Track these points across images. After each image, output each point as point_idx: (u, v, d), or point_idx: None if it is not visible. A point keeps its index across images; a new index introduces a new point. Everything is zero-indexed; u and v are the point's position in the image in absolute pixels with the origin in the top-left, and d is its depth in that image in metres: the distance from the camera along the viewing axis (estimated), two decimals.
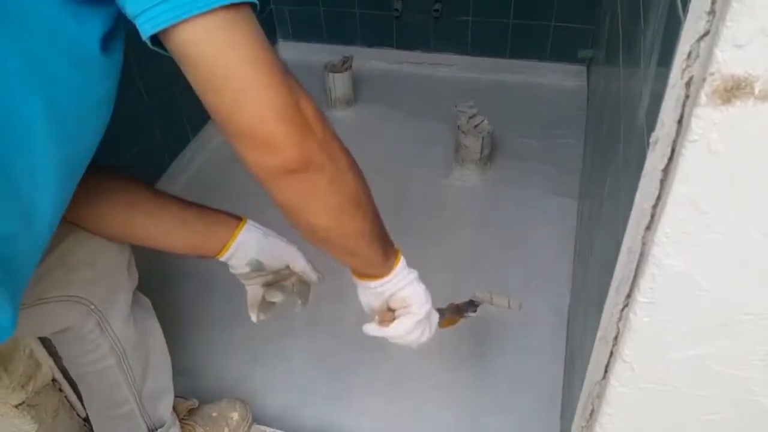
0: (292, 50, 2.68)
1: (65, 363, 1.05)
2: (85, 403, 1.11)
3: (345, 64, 2.31)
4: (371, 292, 0.83)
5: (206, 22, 0.53)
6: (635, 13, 0.97)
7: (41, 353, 1.15)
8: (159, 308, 1.09)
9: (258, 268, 0.92)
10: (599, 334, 0.68)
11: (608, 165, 1.06)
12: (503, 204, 1.90)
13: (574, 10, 2.25)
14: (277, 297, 0.96)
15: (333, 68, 2.29)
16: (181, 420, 1.22)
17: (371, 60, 2.56)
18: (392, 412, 1.38)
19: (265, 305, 0.98)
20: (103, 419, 1.11)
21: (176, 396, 1.18)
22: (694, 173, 0.49)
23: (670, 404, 0.67)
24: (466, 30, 2.43)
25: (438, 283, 1.65)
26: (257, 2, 0.56)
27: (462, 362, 1.48)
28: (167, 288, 1.66)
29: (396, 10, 2.42)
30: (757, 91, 0.44)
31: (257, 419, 1.34)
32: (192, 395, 1.32)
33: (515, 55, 2.43)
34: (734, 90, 0.44)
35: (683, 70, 0.47)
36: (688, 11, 0.48)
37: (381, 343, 1.51)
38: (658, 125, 0.51)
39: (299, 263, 0.94)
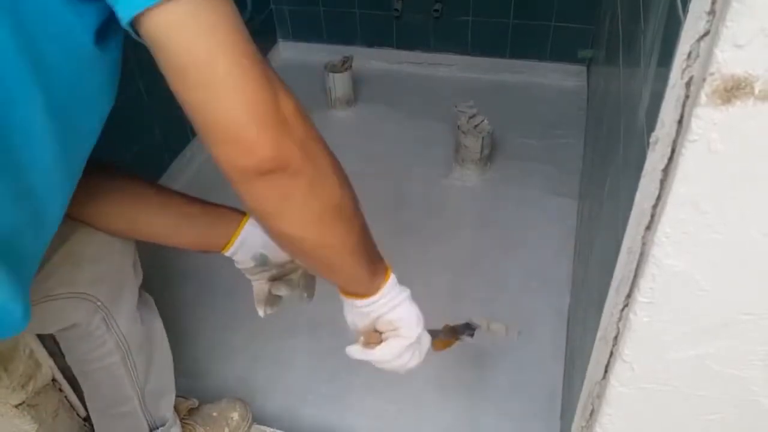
0: (292, 50, 2.68)
1: (69, 360, 1.05)
2: (87, 401, 1.11)
3: (345, 64, 2.31)
4: (357, 312, 0.75)
5: (180, 7, 0.50)
6: (635, 13, 0.97)
7: (41, 353, 1.15)
8: (159, 308, 1.09)
9: (263, 262, 0.92)
10: (599, 334, 0.68)
11: (608, 165, 1.06)
12: (503, 204, 1.90)
13: (574, 10, 2.25)
14: (282, 290, 0.96)
15: (333, 68, 2.29)
16: (181, 420, 1.22)
17: (371, 60, 2.56)
18: (392, 412, 1.38)
19: (271, 299, 0.98)
20: (104, 418, 1.11)
21: (177, 395, 1.18)
22: (694, 173, 0.49)
23: (670, 404, 0.67)
24: (466, 30, 2.43)
25: (438, 283, 1.66)
26: None
27: (462, 362, 1.47)
28: (167, 288, 1.66)
29: (396, 10, 2.42)
30: (757, 91, 0.44)
31: (257, 419, 1.34)
32: (192, 395, 1.32)
33: (515, 55, 2.43)
34: (734, 90, 0.44)
35: (683, 70, 0.47)
36: (688, 11, 0.48)
37: None
38: (658, 125, 0.51)
39: None
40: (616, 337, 0.65)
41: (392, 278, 0.75)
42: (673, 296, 0.57)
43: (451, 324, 0.92)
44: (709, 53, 0.44)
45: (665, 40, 0.61)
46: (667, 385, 0.65)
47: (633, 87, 0.86)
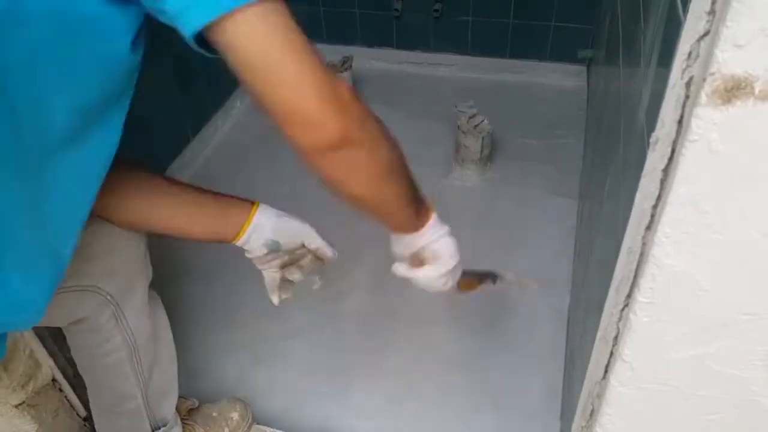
0: None
1: (75, 355, 1.05)
2: (90, 398, 1.11)
3: (345, 64, 2.31)
4: (405, 244, 0.86)
5: (249, 14, 0.56)
6: (635, 13, 0.97)
7: (41, 353, 1.15)
8: None
9: (275, 248, 0.92)
10: (599, 334, 0.68)
11: (608, 165, 1.06)
12: (503, 204, 1.90)
13: (574, 10, 2.25)
14: (296, 275, 0.97)
15: (333, 68, 2.29)
16: (181, 420, 1.22)
17: (371, 60, 2.56)
18: (392, 412, 1.38)
19: (284, 285, 0.98)
20: (107, 416, 1.11)
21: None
22: (694, 173, 0.49)
23: (670, 404, 0.67)
24: (466, 30, 2.43)
25: None
26: None
27: (462, 362, 1.48)
28: (167, 288, 1.66)
29: (396, 10, 2.42)
30: (757, 91, 0.44)
31: (257, 419, 1.34)
32: (192, 395, 1.33)
33: (515, 55, 2.43)
34: (734, 90, 0.44)
35: (683, 70, 0.47)
36: (688, 11, 0.48)
37: (381, 343, 1.52)
38: (658, 125, 0.51)
39: (315, 240, 0.94)
40: (616, 337, 0.65)
41: (434, 216, 0.85)
42: (673, 296, 0.57)
43: (478, 270, 1.02)
44: (710, 53, 0.44)
45: (665, 40, 0.61)
46: (667, 385, 0.65)
47: (633, 87, 0.86)
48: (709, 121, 0.46)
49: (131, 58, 0.65)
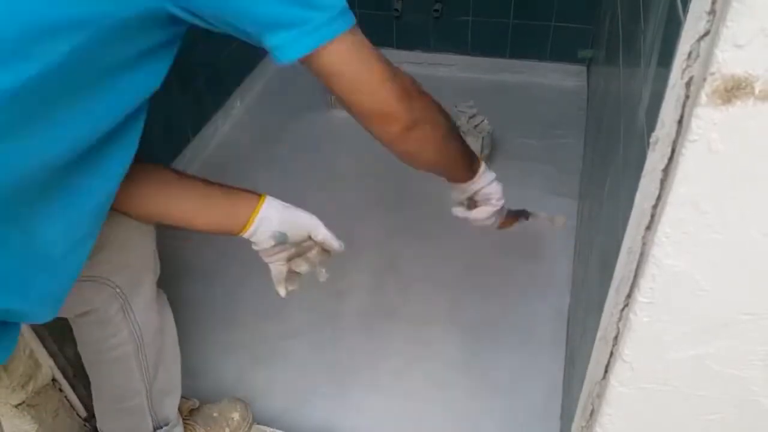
0: None
1: (82, 350, 1.05)
2: (94, 395, 1.11)
3: None
4: (460, 190, 1.02)
5: (341, 43, 0.69)
6: (635, 13, 0.97)
7: (41, 353, 1.15)
8: None
9: (282, 240, 0.92)
10: (599, 334, 0.68)
11: (608, 165, 1.06)
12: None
13: (574, 10, 2.25)
14: (303, 267, 0.98)
15: None
16: (182, 420, 1.22)
17: None
18: (392, 412, 1.38)
19: (290, 277, 0.99)
20: (110, 412, 1.11)
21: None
22: (694, 173, 0.49)
23: (670, 404, 0.67)
24: (466, 30, 2.43)
25: (438, 282, 1.66)
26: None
27: (462, 362, 1.48)
28: (168, 288, 1.65)
29: (396, 10, 2.42)
30: (757, 91, 0.44)
31: (258, 419, 1.34)
32: (192, 395, 1.33)
33: (515, 55, 2.43)
34: (734, 90, 0.44)
35: (683, 70, 0.47)
36: (688, 11, 0.48)
37: (381, 343, 1.52)
38: (658, 125, 0.51)
39: (321, 232, 0.94)
40: (616, 337, 0.65)
41: (483, 164, 1.00)
42: (673, 296, 0.57)
43: (514, 209, 1.19)
44: (710, 53, 0.44)
45: (665, 40, 0.61)
46: (667, 385, 0.65)
47: (633, 87, 0.86)
48: (709, 121, 0.46)
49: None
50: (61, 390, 1.22)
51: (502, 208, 1.06)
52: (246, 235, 0.91)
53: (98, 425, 1.14)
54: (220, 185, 0.92)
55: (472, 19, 2.39)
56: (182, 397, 1.25)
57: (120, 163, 0.76)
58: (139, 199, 0.87)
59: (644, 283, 0.57)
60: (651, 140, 0.52)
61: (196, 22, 0.67)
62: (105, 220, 0.87)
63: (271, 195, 0.93)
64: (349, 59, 0.71)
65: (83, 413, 1.27)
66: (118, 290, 0.95)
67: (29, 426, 1.15)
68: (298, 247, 0.96)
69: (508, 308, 1.59)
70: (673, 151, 0.50)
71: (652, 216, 0.54)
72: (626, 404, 0.69)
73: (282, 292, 1.00)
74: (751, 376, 0.62)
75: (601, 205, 1.10)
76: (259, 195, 0.92)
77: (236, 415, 1.29)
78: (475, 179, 1.00)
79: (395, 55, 2.55)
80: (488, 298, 1.62)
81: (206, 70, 2.09)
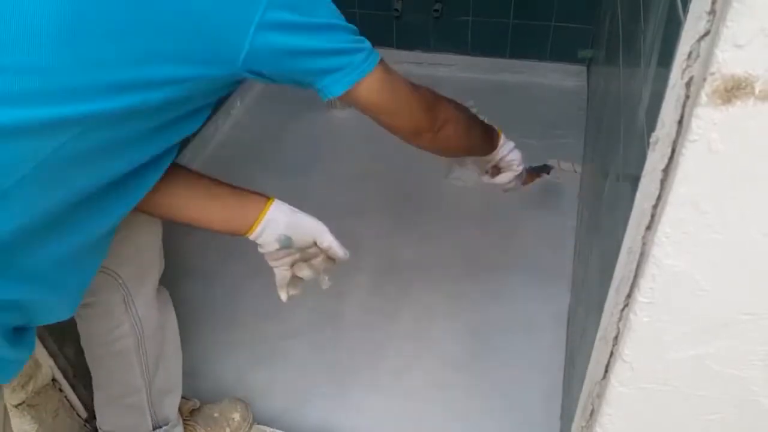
0: None
1: (84, 343, 1.06)
2: (95, 390, 1.12)
3: None
4: (484, 161, 1.17)
5: (375, 77, 0.81)
6: (635, 13, 0.97)
7: (41, 353, 1.15)
8: None
9: (287, 244, 0.92)
10: (599, 334, 0.68)
11: (608, 165, 1.06)
12: (503, 204, 1.90)
13: (574, 10, 2.25)
14: (306, 272, 0.98)
15: None
16: (183, 420, 1.22)
17: None
18: (393, 412, 1.38)
19: (293, 282, 0.99)
20: (110, 408, 1.11)
21: None
22: (694, 173, 0.49)
23: (670, 404, 0.67)
24: (466, 30, 2.43)
25: (438, 282, 1.66)
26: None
27: (462, 362, 1.48)
28: (168, 288, 1.66)
29: (396, 10, 2.42)
30: (757, 91, 0.44)
31: (258, 419, 1.34)
32: (192, 395, 1.33)
33: (515, 55, 2.43)
34: (734, 90, 0.44)
35: (683, 70, 0.47)
36: (688, 11, 0.48)
37: (381, 343, 1.52)
38: (658, 125, 0.51)
39: (327, 239, 0.94)
40: (616, 337, 0.65)
41: (503, 135, 1.15)
42: (673, 296, 0.57)
43: (534, 165, 1.36)
44: (710, 53, 0.44)
45: (665, 40, 0.61)
46: (667, 385, 0.65)
47: (633, 87, 0.86)
48: (709, 121, 0.46)
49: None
50: (61, 390, 1.22)
51: (522, 172, 1.20)
52: (252, 236, 0.91)
53: (98, 423, 1.15)
54: (229, 185, 0.92)
55: (472, 19, 2.39)
56: (183, 397, 1.26)
57: (153, 177, 0.82)
58: (148, 193, 0.87)
59: (644, 283, 0.57)
60: (651, 140, 0.52)
61: (258, 79, 0.77)
62: None
63: (271, 195, 0.94)
64: (381, 88, 0.83)
65: (83, 413, 1.27)
66: (121, 282, 0.97)
67: (29, 426, 1.15)
68: (303, 253, 0.96)
69: (508, 308, 1.59)
70: (673, 151, 0.50)
71: (652, 216, 0.54)
72: (626, 404, 0.69)
73: (284, 296, 1.00)
74: (751, 376, 0.62)
75: (601, 205, 1.10)
76: (267, 197, 0.92)
77: (237, 416, 1.29)
78: (497, 150, 1.14)
79: (395, 55, 2.56)
80: (488, 298, 1.62)
81: None
